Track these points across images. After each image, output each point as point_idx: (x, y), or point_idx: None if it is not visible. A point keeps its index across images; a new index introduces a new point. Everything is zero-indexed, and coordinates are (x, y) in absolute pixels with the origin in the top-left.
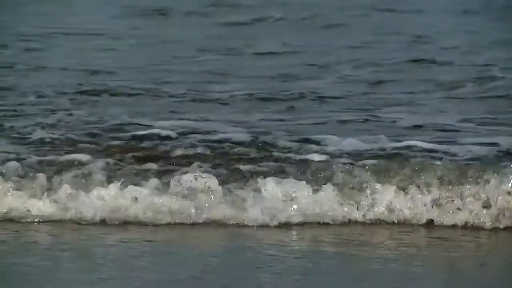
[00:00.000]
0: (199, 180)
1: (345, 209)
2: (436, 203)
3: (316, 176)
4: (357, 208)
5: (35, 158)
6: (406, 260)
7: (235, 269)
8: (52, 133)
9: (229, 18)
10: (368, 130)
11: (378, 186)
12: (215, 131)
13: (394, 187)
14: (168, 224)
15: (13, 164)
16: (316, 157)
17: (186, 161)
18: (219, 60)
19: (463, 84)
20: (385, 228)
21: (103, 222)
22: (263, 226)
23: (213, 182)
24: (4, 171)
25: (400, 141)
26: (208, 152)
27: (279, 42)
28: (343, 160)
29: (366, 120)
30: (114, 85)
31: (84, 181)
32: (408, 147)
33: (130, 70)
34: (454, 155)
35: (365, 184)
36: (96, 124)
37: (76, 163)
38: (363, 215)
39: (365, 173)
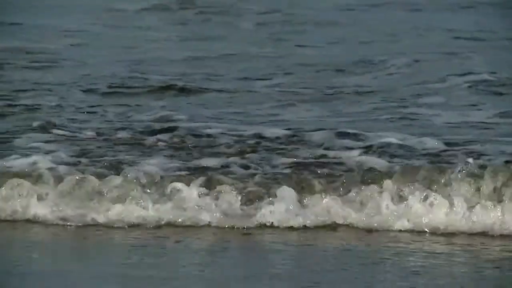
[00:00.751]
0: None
1: None
2: None
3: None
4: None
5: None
6: None
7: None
8: (97, 129)
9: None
10: (408, 127)
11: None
12: (255, 128)
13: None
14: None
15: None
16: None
17: (226, 157)
18: (259, 54)
19: (498, 78)
20: None
21: None
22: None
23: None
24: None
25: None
26: (250, 148)
27: (313, 36)
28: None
29: (406, 117)
30: (157, 80)
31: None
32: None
33: (172, 64)
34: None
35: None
36: (141, 121)
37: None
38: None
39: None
